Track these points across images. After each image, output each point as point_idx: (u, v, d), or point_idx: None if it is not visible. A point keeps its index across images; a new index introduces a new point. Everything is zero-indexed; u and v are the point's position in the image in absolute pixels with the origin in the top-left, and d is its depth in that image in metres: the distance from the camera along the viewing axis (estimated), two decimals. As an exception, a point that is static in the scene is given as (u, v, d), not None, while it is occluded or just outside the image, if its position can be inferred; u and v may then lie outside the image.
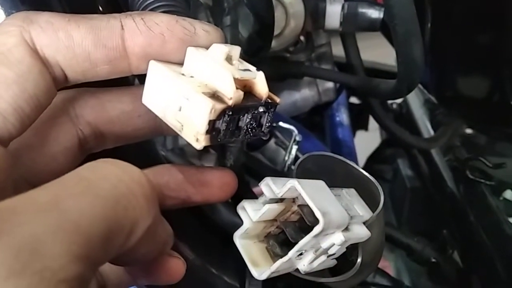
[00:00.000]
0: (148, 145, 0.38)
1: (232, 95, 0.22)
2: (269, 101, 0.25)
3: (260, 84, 0.24)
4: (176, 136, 0.69)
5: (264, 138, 0.28)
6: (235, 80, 0.23)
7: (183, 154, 0.67)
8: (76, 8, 0.29)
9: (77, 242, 0.16)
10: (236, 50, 0.24)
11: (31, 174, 0.25)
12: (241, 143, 0.38)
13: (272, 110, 0.25)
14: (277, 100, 0.25)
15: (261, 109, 0.24)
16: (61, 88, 0.25)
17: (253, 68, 0.25)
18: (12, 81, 0.21)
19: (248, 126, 0.24)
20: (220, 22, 0.41)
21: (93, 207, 0.17)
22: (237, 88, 0.23)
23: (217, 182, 0.29)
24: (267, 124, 0.25)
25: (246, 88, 0.24)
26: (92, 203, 0.17)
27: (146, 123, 0.28)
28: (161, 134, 0.30)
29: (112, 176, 0.19)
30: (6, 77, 0.21)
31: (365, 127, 0.95)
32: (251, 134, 0.25)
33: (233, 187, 0.29)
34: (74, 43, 0.23)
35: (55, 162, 0.26)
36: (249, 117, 0.24)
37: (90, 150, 0.28)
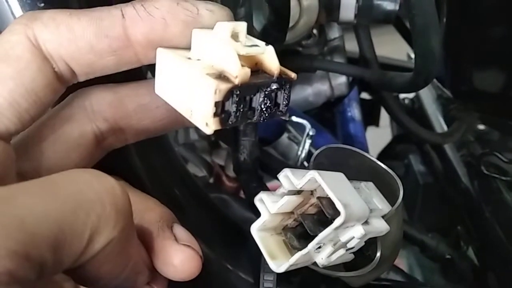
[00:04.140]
0: (163, 140, 0.38)
1: (237, 73, 0.21)
2: (282, 76, 0.23)
3: (270, 59, 0.23)
4: (187, 130, 0.69)
5: (284, 118, 0.26)
6: (241, 57, 0.21)
7: (194, 149, 0.67)
8: (93, 6, 0.29)
9: (16, 239, 0.15)
10: (242, 26, 0.22)
11: (44, 169, 0.25)
12: (254, 136, 0.37)
13: (288, 86, 0.23)
14: (292, 75, 0.23)
15: (274, 86, 0.22)
16: (75, 85, 0.25)
17: (262, 43, 0.23)
18: (9, 77, 0.22)
19: (263, 106, 0.23)
20: (234, 14, 0.41)
21: (46, 207, 0.17)
22: (244, 66, 0.21)
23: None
24: (285, 102, 0.23)
25: (257, 65, 0.23)
26: (47, 203, 0.17)
27: (164, 114, 0.27)
28: (182, 126, 0.30)
29: (81, 181, 0.19)
30: (3, 73, 0.22)
31: (376, 123, 0.94)
32: (267, 115, 0.23)
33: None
34: (75, 35, 0.22)
35: (67, 158, 0.25)
36: (262, 96, 0.22)
37: (110, 146, 0.27)
